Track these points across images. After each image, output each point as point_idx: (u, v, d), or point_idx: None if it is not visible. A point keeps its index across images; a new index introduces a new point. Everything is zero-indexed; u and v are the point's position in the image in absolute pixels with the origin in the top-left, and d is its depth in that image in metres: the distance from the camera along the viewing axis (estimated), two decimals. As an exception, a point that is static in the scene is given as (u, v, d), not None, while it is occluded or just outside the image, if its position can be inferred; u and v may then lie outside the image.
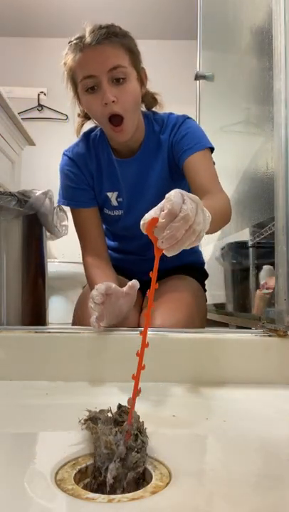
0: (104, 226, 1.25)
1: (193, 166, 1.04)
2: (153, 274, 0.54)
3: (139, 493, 0.41)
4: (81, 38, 0.99)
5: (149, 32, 3.41)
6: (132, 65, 1.02)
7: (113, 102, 0.98)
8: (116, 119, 1.01)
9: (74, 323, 1.15)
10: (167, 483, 0.42)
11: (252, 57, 1.31)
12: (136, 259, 1.25)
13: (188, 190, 0.72)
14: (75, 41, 1.00)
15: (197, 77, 2.10)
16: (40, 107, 3.44)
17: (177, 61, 3.40)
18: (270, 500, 0.41)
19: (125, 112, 1.00)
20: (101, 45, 0.97)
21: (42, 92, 3.39)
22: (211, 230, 1.01)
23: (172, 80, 3.25)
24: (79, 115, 1.16)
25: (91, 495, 0.40)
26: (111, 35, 0.98)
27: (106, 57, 0.97)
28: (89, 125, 1.18)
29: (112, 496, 0.40)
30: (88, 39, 0.97)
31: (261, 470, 0.49)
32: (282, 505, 0.40)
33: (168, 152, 1.11)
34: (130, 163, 1.12)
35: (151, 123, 1.13)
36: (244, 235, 1.44)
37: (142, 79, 1.07)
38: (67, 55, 1.02)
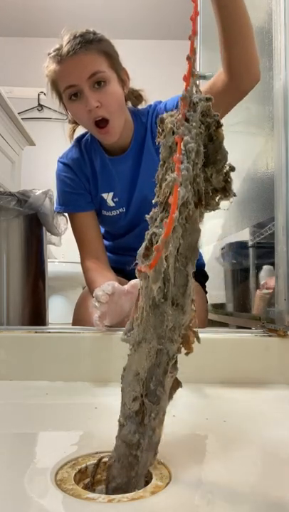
0: (102, 229, 1.25)
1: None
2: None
3: (139, 493, 0.41)
4: (58, 50, 1.01)
5: (150, 32, 3.41)
6: (111, 67, 1.03)
7: (97, 107, 1.01)
8: (101, 122, 1.03)
9: (74, 324, 1.15)
10: (167, 483, 0.42)
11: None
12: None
13: None
14: (53, 53, 1.03)
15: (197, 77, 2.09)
16: (40, 107, 3.44)
17: (177, 61, 3.40)
18: (270, 500, 0.41)
19: (110, 114, 1.03)
20: (77, 55, 0.99)
21: (42, 92, 3.39)
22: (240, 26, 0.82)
23: (172, 80, 3.26)
24: (69, 121, 1.20)
25: (91, 495, 0.40)
26: (86, 43, 1.00)
27: (83, 65, 1.00)
28: (81, 129, 1.20)
29: (112, 496, 0.40)
30: (65, 50, 1.00)
31: (261, 470, 0.49)
32: (282, 505, 0.40)
33: (151, 131, 1.12)
34: (124, 160, 1.14)
35: (139, 117, 1.15)
36: (244, 235, 1.43)
37: (123, 80, 1.08)
38: (48, 67, 1.05)
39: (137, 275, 0.43)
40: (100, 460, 0.47)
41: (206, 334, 0.88)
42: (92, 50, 1.01)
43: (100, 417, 0.64)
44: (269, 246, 1.01)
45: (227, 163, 0.45)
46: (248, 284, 1.45)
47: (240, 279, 1.59)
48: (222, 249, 1.73)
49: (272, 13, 0.99)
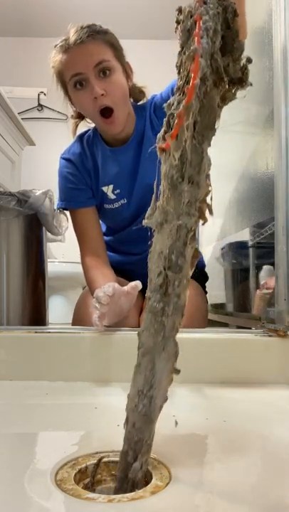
0: (104, 225, 1.25)
1: None
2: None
3: (139, 493, 0.41)
4: (65, 40, 1.03)
5: (149, 32, 3.41)
6: (116, 58, 1.05)
7: (102, 95, 1.02)
8: (107, 111, 1.04)
9: (74, 324, 1.15)
10: (167, 483, 0.42)
11: (252, 57, 1.31)
12: (137, 260, 1.25)
13: None
14: (60, 44, 1.04)
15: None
16: (40, 107, 3.43)
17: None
18: (270, 500, 0.41)
19: (115, 104, 1.04)
20: (84, 44, 1.01)
21: (42, 92, 3.39)
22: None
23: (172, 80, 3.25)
24: (72, 116, 1.21)
25: (91, 495, 0.40)
26: (93, 33, 1.02)
27: (90, 54, 1.02)
28: (82, 126, 1.21)
29: (112, 496, 0.40)
30: (72, 39, 1.02)
31: (261, 470, 0.49)
32: (283, 505, 0.40)
33: (150, 121, 1.13)
34: (125, 150, 1.15)
35: (139, 111, 1.16)
36: (244, 235, 1.43)
37: (127, 72, 1.10)
38: (54, 57, 1.06)
39: (158, 154, 0.45)
40: (100, 460, 0.47)
41: (206, 334, 0.88)
42: (98, 40, 1.03)
43: (100, 417, 0.64)
44: (269, 246, 1.01)
45: (244, 54, 0.47)
46: (248, 284, 1.45)
47: (240, 279, 1.59)
48: (222, 249, 1.73)
49: (272, 13, 0.99)
